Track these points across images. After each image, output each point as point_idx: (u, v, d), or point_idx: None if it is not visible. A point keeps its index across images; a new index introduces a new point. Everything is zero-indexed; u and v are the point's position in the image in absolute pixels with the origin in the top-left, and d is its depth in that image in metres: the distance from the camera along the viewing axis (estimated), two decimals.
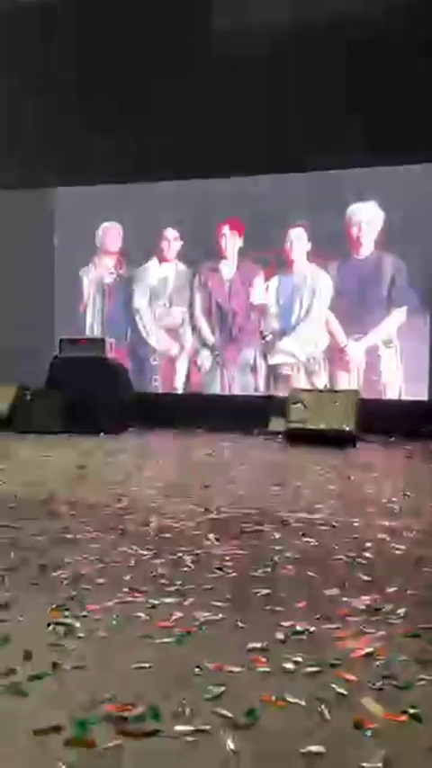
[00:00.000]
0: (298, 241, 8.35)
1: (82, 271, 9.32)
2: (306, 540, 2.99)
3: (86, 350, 8.10)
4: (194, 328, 8.84)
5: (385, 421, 7.61)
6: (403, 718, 1.44)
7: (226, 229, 8.65)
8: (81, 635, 1.87)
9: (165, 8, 8.50)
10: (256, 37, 8.08)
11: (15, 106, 9.09)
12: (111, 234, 9.20)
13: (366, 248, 8.10)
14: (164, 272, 8.98)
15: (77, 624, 1.94)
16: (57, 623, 1.93)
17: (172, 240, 8.92)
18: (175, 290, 8.94)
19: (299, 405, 7.34)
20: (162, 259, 8.96)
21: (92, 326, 9.27)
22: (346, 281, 8.16)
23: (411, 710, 1.46)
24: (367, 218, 8.06)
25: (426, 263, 7.82)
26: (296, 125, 7.91)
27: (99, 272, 9.25)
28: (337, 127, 7.70)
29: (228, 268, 8.70)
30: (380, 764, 1.26)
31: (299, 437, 7.14)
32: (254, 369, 8.64)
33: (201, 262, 8.81)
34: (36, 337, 8.79)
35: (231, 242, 8.65)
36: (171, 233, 8.91)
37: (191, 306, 8.88)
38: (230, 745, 1.31)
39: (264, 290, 8.56)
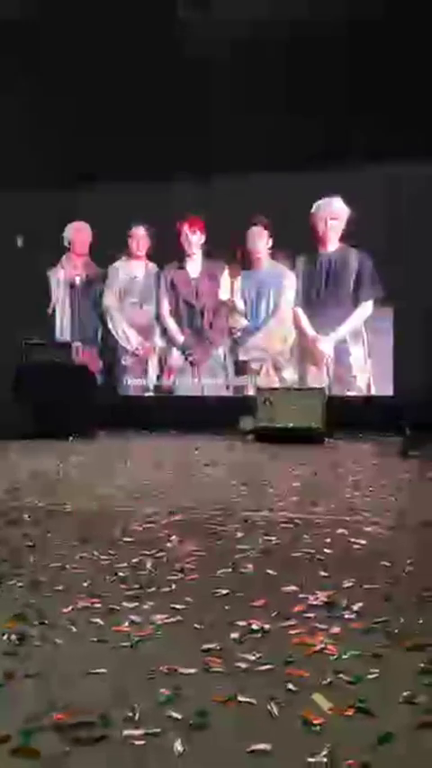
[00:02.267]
0: (261, 239, 8.40)
1: (50, 271, 9.24)
2: (267, 538, 3.01)
3: (53, 354, 8.05)
4: (163, 328, 8.84)
5: (353, 416, 7.71)
6: (350, 712, 1.46)
7: (186, 227, 8.65)
8: (36, 643, 1.86)
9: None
10: (220, 38, 8.09)
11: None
12: (79, 234, 9.14)
13: (332, 244, 8.19)
14: (134, 270, 8.95)
15: (33, 632, 1.92)
16: (12, 633, 1.92)
17: (141, 237, 8.89)
18: (144, 287, 8.91)
19: (267, 403, 7.39)
20: (132, 256, 8.92)
21: (61, 328, 9.20)
22: (313, 276, 8.24)
23: (359, 704, 1.49)
24: (333, 212, 8.13)
25: (390, 257, 7.93)
26: (261, 124, 7.95)
27: (68, 273, 9.18)
28: (301, 125, 7.77)
29: (193, 266, 8.71)
30: (325, 759, 1.28)
31: (267, 436, 7.20)
32: (223, 367, 8.67)
33: (166, 261, 8.81)
34: (1, 342, 8.69)
35: (194, 240, 8.66)
36: (140, 231, 8.88)
37: (158, 305, 8.87)
38: (179, 747, 1.32)
39: (230, 286, 8.60)
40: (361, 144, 7.70)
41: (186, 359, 8.74)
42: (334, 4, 7.88)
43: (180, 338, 8.77)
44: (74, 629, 1.95)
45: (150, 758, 1.30)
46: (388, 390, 8.07)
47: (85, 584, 2.34)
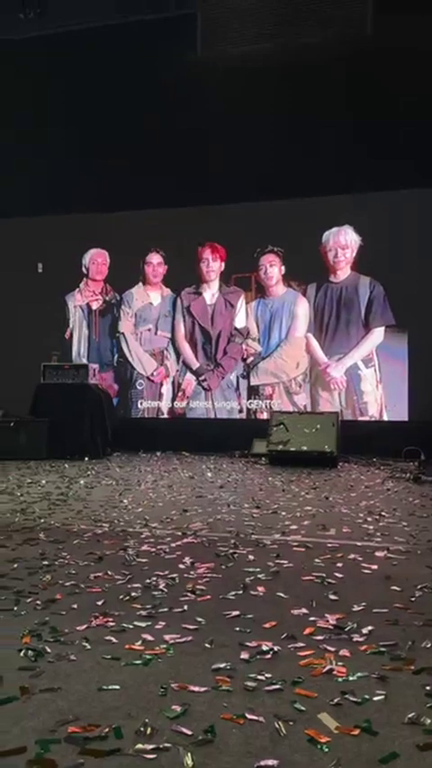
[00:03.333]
0: (274, 266, 8.54)
1: (68, 296, 9.43)
2: (279, 561, 3.05)
3: (70, 376, 8.18)
4: (178, 352, 8.96)
5: (367, 441, 7.72)
6: (356, 731, 1.50)
7: (207, 253, 8.81)
8: (51, 660, 1.91)
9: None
10: (232, 67, 8.29)
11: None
12: (97, 260, 9.33)
13: (343, 272, 8.30)
14: (150, 296, 9.12)
15: (48, 649, 1.98)
16: (28, 649, 1.98)
17: (156, 264, 9.07)
18: (160, 314, 9.06)
19: (281, 426, 7.43)
20: (148, 283, 9.10)
21: (78, 352, 9.35)
22: (324, 303, 8.34)
23: (364, 724, 1.52)
24: (343, 242, 8.27)
25: (402, 284, 8.01)
26: (273, 153, 8.12)
27: (85, 298, 9.36)
28: (313, 154, 7.93)
29: (210, 292, 8.85)
30: None
31: (281, 459, 7.23)
32: (237, 391, 8.74)
33: (183, 286, 8.96)
34: (21, 364, 8.85)
35: (214, 266, 8.81)
36: (155, 257, 9.06)
37: (174, 330, 9.01)
38: (188, 761, 1.37)
39: (245, 314, 8.72)
40: (370, 171, 7.82)
41: (200, 383, 8.83)
42: (338, 30, 8.08)
43: (195, 363, 8.87)
44: (88, 647, 2.01)
45: None
46: (402, 415, 8.07)
47: (99, 603, 2.40)
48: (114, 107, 8.74)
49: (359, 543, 3.44)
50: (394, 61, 7.79)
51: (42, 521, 4.02)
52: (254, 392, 8.68)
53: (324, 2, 8.25)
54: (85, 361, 9.06)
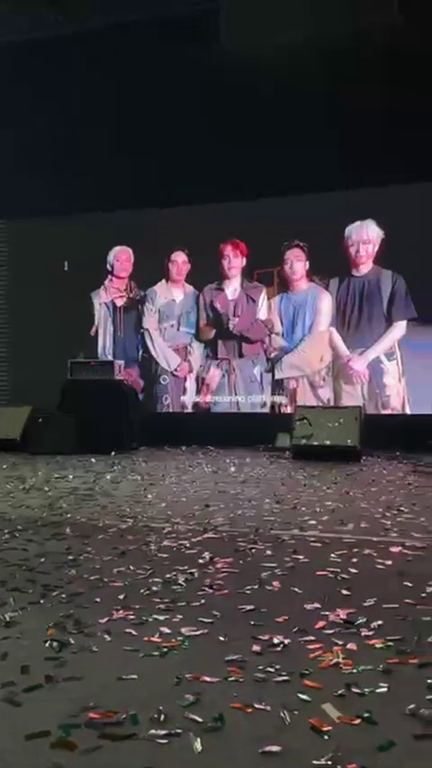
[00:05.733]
0: (299, 261, 8.57)
1: (93, 294, 9.60)
2: (296, 556, 3.14)
3: (96, 372, 8.35)
4: (203, 347, 9.06)
5: (390, 435, 7.73)
6: (357, 721, 1.59)
7: (229, 250, 8.88)
8: (74, 651, 2.04)
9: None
10: (249, 61, 8.28)
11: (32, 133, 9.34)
12: (122, 257, 9.47)
13: (365, 266, 8.30)
14: (173, 293, 9.23)
15: (72, 641, 2.11)
16: (53, 640, 2.11)
17: (180, 263, 9.17)
18: (183, 310, 9.17)
19: (304, 421, 7.49)
20: (171, 281, 9.21)
21: (104, 349, 9.52)
22: (347, 297, 8.36)
23: (365, 714, 1.61)
24: (365, 236, 8.26)
25: (424, 278, 7.97)
26: (293, 147, 8.12)
27: (110, 295, 9.52)
28: (332, 147, 7.90)
29: (232, 287, 8.93)
30: (329, 762, 1.41)
31: (304, 453, 7.29)
32: (260, 385, 8.82)
33: (205, 282, 9.05)
34: (49, 360, 9.04)
35: (235, 262, 8.88)
36: (180, 256, 9.16)
37: (197, 326, 9.11)
38: (198, 746, 1.47)
39: (267, 308, 8.77)
40: (397, 164, 7.77)
41: (223, 377, 8.91)
42: (370, 22, 8.00)
43: (218, 357, 8.97)
44: (109, 639, 2.13)
45: (172, 755, 1.46)
46: (426, 409, 8.05)
47: (121, 597, 2.52)
48: (139, 104, 8.82)
49: (375, 539, 3.51)
50: (426, 49, 7.71)
51: (69, 516, 4.17)
52: (278, 386, 8.74)
53: None
54: (110, 357, 9.22)
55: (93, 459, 7.27)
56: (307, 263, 8.56)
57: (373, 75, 7.93)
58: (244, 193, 8.55)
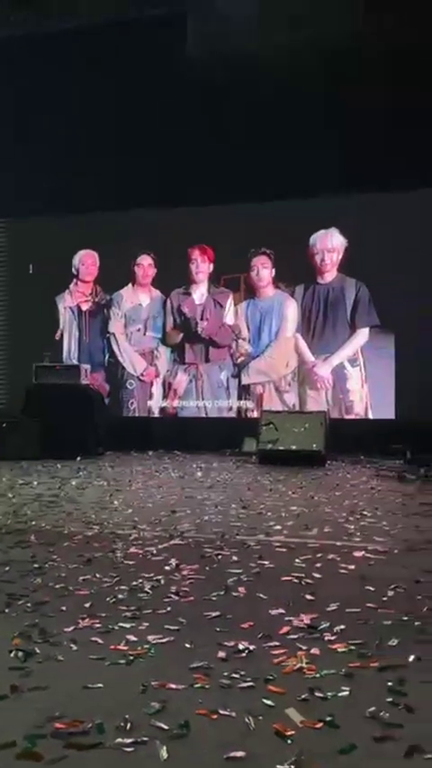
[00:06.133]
0: (266, 268, 8.68)
1: (58, 297, 9.52)
2: (261, 562, 3.18)
3: (62, 376, 8.29)
4: (170, 352, 9.08)
5: (353, 439, 7.87)
6: (319, 725, 1.63)
7: (197, 254, 8.92)
8: (40, 660, 2.04)
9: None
10: (225, 67, 8.34)
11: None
12: (87, 261, 9.42)
13: (330, 274, 8.46)
14: (139, 297, 9.23)
15: (37, 650, 2.10)
16: (18, 649, 2.10)
17: (146, 266, 9.18)
18: (149, 314, 9.17)
19: (270, 425, 7.56)
20: (137, 285, 9.21)
21: (69, 353, 9.45)
22: (312, 304, 8.50)
23: (328, 718, 1.65)
24: (330, 245, 8.41)
25: (386, 286, 8.16)
26: (263, 155, 8.22)
27: (75, 299, 9.46)
28: (299, 156, 8.02)
29: (199, 292, 8.97)
30: (292, 766, 1.45)
31: (270, 457, 7.37)
32: (227, 390, 8.87)
33: (172, 286, 9.08)
34: (13, 364, 8.94)
35: (203, 267, 8.92)
36: (146, 259, 9.16)
37: (164, 330, 9.13)
38: (164, 753, 1.49)
39: (234, 313, 8.85)
40: (357, 173, 7.94)
41: (190, 381, 8.95)
42: (331, 36, 8.16)
43: (186, 361, 9.00)
44: (74, 648, 2.13)
45: (138, 763, 1.47)
46: (389, 414, 8.23)
47: (87, 605, 2.52)
48: (104, 106, 8.81)
49: (339, 543, 3.58)
50: (383, 59, 7.90)
51: (34, 523, 4.13)
52: (245, 391, 8.82)
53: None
54: (75, 361, 9.17)
55: (58, 465, 7.21)
56: (273, 270, 8.68)
57: (336, 82, 8.07)
58: (212, 198, 8.61)
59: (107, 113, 8.78)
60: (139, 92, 8.68)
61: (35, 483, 5.89)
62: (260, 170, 8.18)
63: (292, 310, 8.65)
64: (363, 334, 8.35)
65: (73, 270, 9.48)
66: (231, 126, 8.29)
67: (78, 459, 7.73)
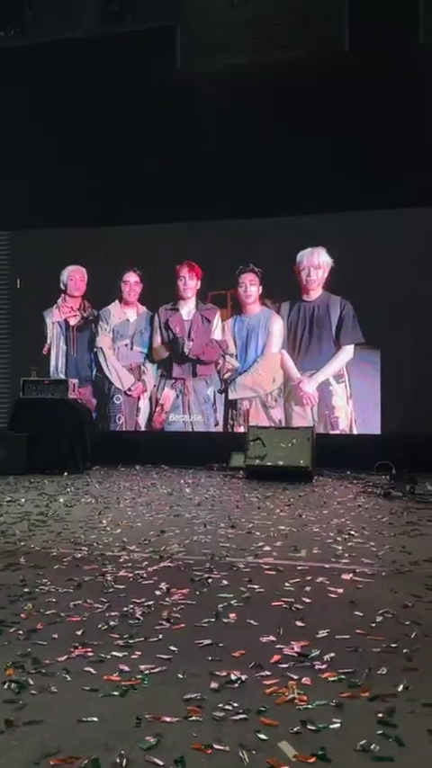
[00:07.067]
0: (253, 285, 8.77)
1: (46, 312, 9.52)
2: (251, 586, 3.21)
3: (49, 390, 8.28)
4: (156, 368, 9.11)
5: (339, 455, 7.93)
6: (312, 759, 1.66)
7: (185, 271, 8.99)
8: (34, 692, 2.05)
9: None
10: (211, 82, 8.44)
11: None
12: (75, 276, 9.44)
13: (315, 291, 8.57)
14: (126, 313, 9.26)
15: (31, 681, 2.11)
16: (12, 681, 2.11)
17: (132, 283, 9.22)
18: (136, 330, 9.20)
19: (258, 441, 7.60)
20: (124, 301, 9.24)
21: (56, 367, 9.45)
22: (298, 321, 8.60)
23: (320, 752, 1.69)
24: (316, 262, 8.53)
25: (370, 304, 8.28)
26: (250, 173, 8.31)
27: (63, 314, 9.47)
28: (289, 176, 8.13)
29: (187, 308, 9.03)
30: None
31: (257, 473, 7.40)
32: (214, 405, 8.91)
33: (159, 304, 9.12)
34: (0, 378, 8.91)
35: (190, 284, 8.98)
36: (132, 276, 9.20)
37: (151, 345, 9.16)
38: None
39: (221, 329, 8.92)
40: (342, 193, 8.06)
41: (177, 397, 8.98)
42: (318, 54, 8.32)
43: (172, 377, 9.04)
44: (68, 678, 2.14)
45: None
46: (374, 429, 8.31)
47: (79, 633, 2.53)
48: (94, 121, 8.85)
49: (327, 565, 3.61)
50: (369, 80, 8.06)
51: (23, 544, 4.13)
52: (232, 406, 8.86)
53: (301, 19, 8.49)
54: (62, 376, 9.16)
55: (45, 481, 7.18)
56: (260, 287, 8.77)
57: (325, 101, 8.21)
58: (198, 215, 8.69)
59: (97, 129, 8.82)
60: (130, 108, 8.75)
61: (23, 500, 5.87)
62: (247, 188, 8.27)
63: (278, 326, 8.73)
64: (347, 351, 8.47)
65: (61, 285, 9.49)
66: (220, 143, 8.37)
67: (65, 474, 7.71)
